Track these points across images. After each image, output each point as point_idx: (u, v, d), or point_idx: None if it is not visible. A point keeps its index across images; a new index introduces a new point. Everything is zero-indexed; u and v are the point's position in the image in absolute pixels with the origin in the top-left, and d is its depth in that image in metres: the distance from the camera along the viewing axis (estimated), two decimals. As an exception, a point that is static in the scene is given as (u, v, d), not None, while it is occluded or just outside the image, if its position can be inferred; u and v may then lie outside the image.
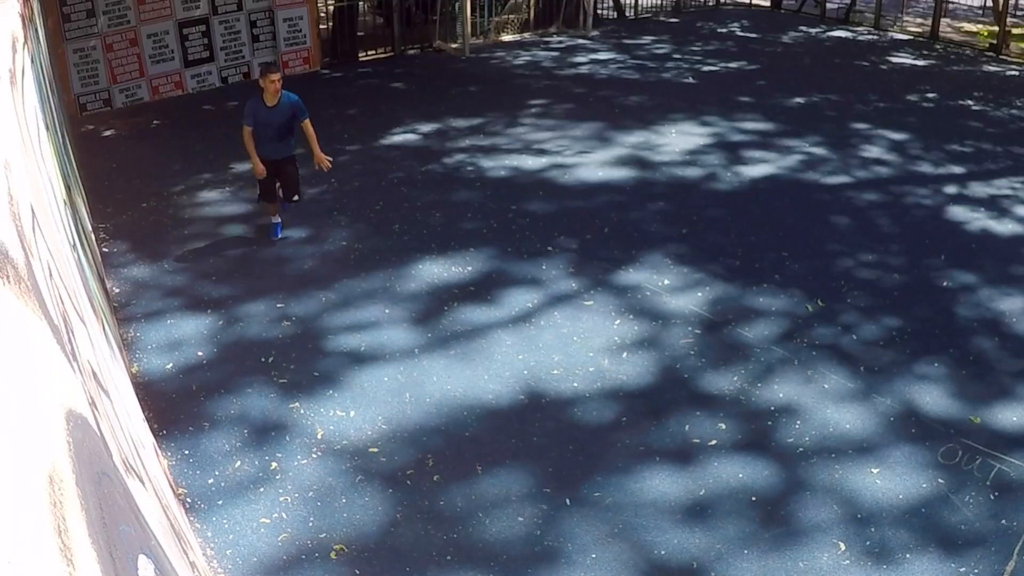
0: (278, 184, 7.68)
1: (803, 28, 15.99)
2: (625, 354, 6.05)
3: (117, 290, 6.84)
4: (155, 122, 10.72)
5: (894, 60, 13.89)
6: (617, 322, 6.39)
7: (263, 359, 5.97)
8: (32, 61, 4.28)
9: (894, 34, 15.68)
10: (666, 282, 6.96)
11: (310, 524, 4.59)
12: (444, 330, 6.30)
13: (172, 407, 5.49)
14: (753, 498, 4.80)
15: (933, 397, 5.65)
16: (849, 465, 5.04)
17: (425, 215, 8.12)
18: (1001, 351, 6.17)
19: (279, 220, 7.84)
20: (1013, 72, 13.40)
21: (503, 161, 9.43)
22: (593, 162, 9.37)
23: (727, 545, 4.49)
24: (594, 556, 4.42)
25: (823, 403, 5.57)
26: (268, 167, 7.52)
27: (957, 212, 8.35)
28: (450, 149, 9.78)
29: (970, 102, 11.76)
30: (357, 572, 4.32)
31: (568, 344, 6.12)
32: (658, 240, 7.58)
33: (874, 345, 6.20)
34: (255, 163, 7.43)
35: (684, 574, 4.35)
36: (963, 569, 4.35)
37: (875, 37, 15.41)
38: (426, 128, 10.39)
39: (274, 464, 5.02)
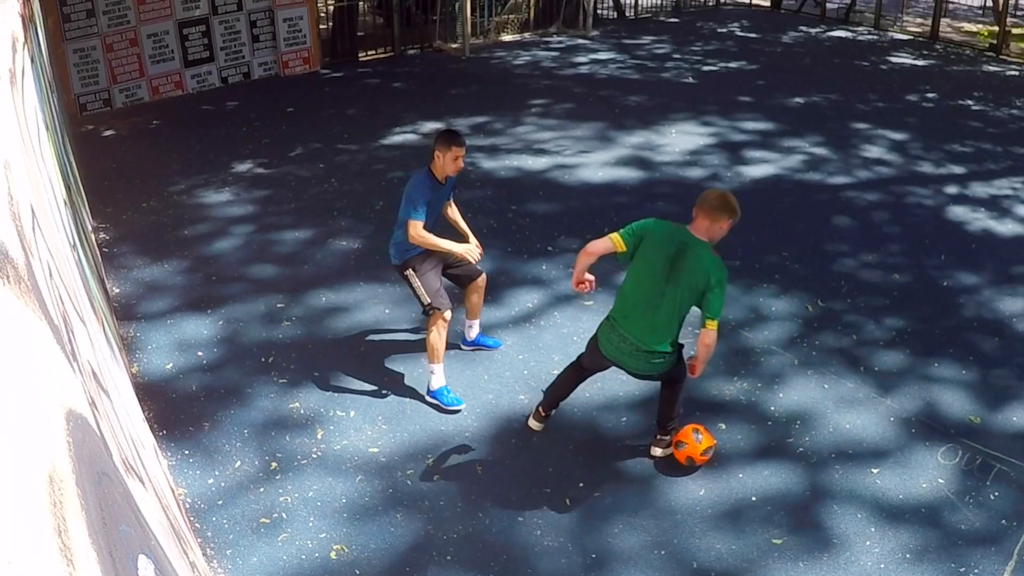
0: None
1: (803, 28, 15.99)
2: (625, 354, 6.05)
3: (117, 290, 6.84)
4: (155, 122, 10.72)
5: (894, 60, 13.89)
6: (617, 322, 6.39)
7: (263, 359, 5.97)
8: (32, 61, 4.28)
9: (894, 34, 15.68)
10: (666, 282, 6.96)
11: (310, 524, 4.59)
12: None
13: (172, 407, 5.49)
14: (753, 498, 4.80)
15: (933, 397, 5.66)
16: (849, 465, 5.04)
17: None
18: (1002, 351, 6.17)
19: (476, 325, 6.00)
20: (1013, 72, 13.40)
21: (504, 161, 9.43)
22: (594, 162, 9.38)
23: (727, 545, 4.49)
24: (594, 556, 4.42)
25: (823, 403, 5.57)
26: (428, 262, 5.53)
27: (958, 212, 8.36)
28: (450, 149, 9.78)
29: (970, 102, 11.76)
30: (357, 572, 4.32)
31: (568, 344, 6.12)
32: (658, 240, 7.57)
33: (874, 345, 6.20)
34: (451, 247, 5.47)
35: (683, 573, 4.35)
36: (963, 569, 4.35)
37: (875, 37, 15.41)
38: (426, 128, 10.39)
39: (274, 464, 5.02)
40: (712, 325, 4.52)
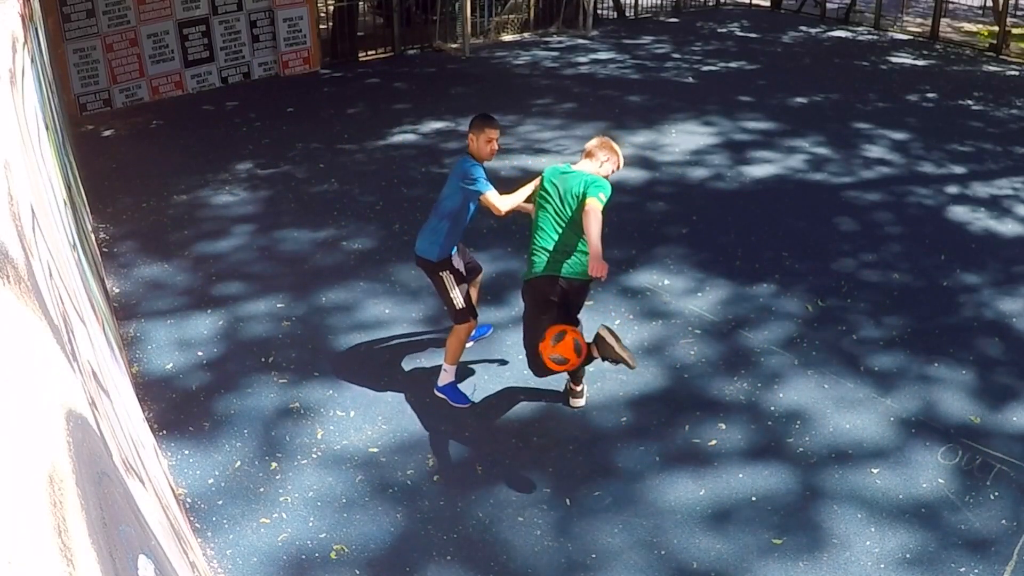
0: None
1: (803, 28, 15.99)
2: (625, 354, 6.05)
3: (117, 290, 6.84)
4: (155, 122, 10.72)
5: (894, 60, 13.89)
6: (617, 322, 6.39)
7: (263, 359, 5.97)
8: (32, 61, 4.28)
9: (894, 34, 15.68)
10: (667, 282, 6.96)
11: (310, 524, 4.59)
12: (445, 330, 6.30)
13: (172, 407, 5.49)
14: (753, 498, 4.80)
15: (933, 397, 5.66)
16: (849, 465, 5.04)
17: (426, 215, 8.07)
18: (1002, 351, 6.17)
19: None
20: (1013, 72, 13.40)
21: (505, 161, 9.42)
22: (593, 162, 9.36)
23: (727, 545, 4.49)
24: (594, 556, 4.42)
25: (823, 403, 5.57)
26: (461, 266, 5.54)
27: (958, 212, 8.36)
28: (451, 149, 9.78)
29: (970, 102, 11.76)
30: (357, 572, 4.32)
31: (568, 344, 6.11)
32: (660, 240, 7.57)
33: (874, 345, 6.20)
34: (526, 190, 5.40)
35: (683, 573, 4.35)
36: (963, 569, 4.35)
37: (875, 37, 15.41)
38: (426, 128, 10.39)
39: (274, 464, 5.02)
40: (591, 202, 4.97)
